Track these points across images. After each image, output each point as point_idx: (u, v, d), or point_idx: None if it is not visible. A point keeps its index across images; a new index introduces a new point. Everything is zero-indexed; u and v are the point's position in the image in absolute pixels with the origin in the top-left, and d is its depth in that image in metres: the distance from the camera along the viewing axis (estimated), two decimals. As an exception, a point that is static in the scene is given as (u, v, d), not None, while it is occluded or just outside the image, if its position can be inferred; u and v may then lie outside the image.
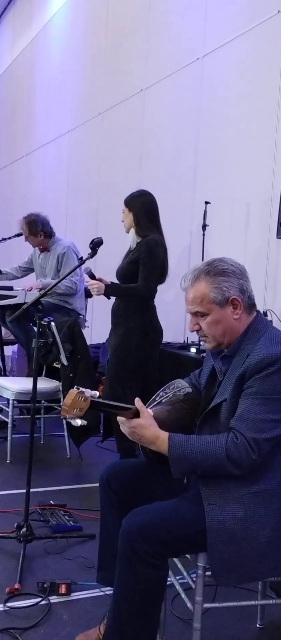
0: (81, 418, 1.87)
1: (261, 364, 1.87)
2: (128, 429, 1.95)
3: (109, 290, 3.68)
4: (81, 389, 1.85)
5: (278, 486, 1.91)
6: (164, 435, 1.92)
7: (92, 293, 3.68)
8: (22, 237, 5.40)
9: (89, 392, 1.85)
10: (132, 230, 3.78)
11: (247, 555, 1.86)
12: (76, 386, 1.87)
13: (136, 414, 1.94)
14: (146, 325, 3.74)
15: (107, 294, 3.69)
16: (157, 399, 2.12)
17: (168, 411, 2.06)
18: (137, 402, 1.94)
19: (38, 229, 5.17)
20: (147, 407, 2.04)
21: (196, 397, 2.17)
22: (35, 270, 5.46)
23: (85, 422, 1.88)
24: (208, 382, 2.15)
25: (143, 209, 3.78)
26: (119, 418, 1.97)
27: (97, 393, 1.89)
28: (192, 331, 2.08)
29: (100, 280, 3.70)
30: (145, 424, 1.92)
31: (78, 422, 1.87)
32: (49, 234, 5.23)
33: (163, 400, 2.11)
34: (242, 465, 1.85)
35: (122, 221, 3.88)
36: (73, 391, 1.84)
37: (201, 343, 4.48)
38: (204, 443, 1.88)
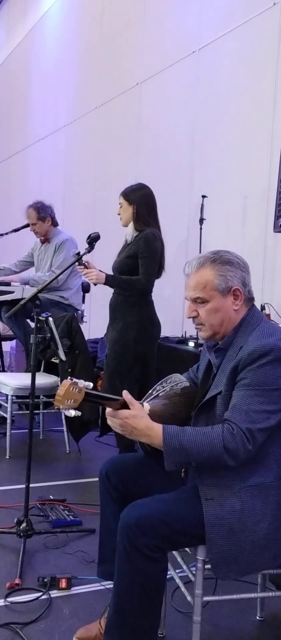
0: (75, 409, 1.86)
1: (253, 355, 1.88)
2: (119, 421, 1.91)
3: (110, 280, 3.66)
4: (74, 379, 1.84)
5: (275, 479, 1.92)
6: (158, 427, 1.90)
7: (90, 281, 3.63)
8: (20, 232, 5.39)
9: (82, 383, 1.85)
10: (131, 224, 3.77)
11: (245, 548, 1.87)
12: (69, 377, 1.87)
13: (124, 406, 1.91)
14: (144, 320, 3.74)
15: (107, 284, 3.67)
16: (154, 392, 2.11)
17: (165, 405, 2.06)
18: (126, 394, 1.92)
19: (47, 214, 5.18)
20: (143, 401, 2.05)
21: (194, 391, 2.17)
22: (35, 263, 5.46)
23: (79, 413, 1.87)
24: (204, 376, 2.16)
25: (143, 203, 3.76)
26: (108, 411, 1.94)
27: (90, 384, 1.88)
28: (189, 317, 2.08)
29: (89, 265, 3.65)
30: (138, 414, 1.90)
31: (72, 412, 1.86)
32: (55, 221, 5.25)
33: (160, 394, 2.11)
34: (238, 455, 1.85)
35: (119, 214, 3.84)
36: (66, 382, 1.84)
37: (199, 339, 4.49)
38: (201, 434, 1.87)
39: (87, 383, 1.87)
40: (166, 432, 1.88)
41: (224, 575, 1.89)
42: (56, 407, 1.87)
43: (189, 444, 1.86)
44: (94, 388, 2.03)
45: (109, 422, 1.97)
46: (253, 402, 1.86)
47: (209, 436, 1.86)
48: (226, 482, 1.89)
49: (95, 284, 3.69)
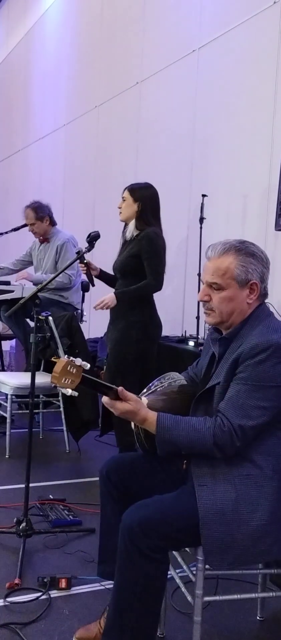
0: (72, 389, 1.85)
1: (254, 349, 1.88)
2: (116, 412, 1.94)
3: (120, 297, 3.65)
4: (71, 358, 1.83)
5: (271, 470, 1.92)
6: (152, 416, 1.93)
7: (105, 309, 3.66)
8: (20, 232, 5.38)
9: (79, 361, 1.85)
10: (133, 222, 3.75)
11: (239, 537, 1.87)
12: (66, 355, 1.86)
13: (117, 395, 1.92)
14: (146, 320, 3.73)
15: (118, 301, 3.67)
16: (152, 387, 2.12)
17: (162, 400, 2.07)
18: (122, 392, 1.93)
19: (45, 214, 5.18)
20: (141, 395, 2.05)
21: (191, 389, 2.17)
22: (34, 263, 5.45)
23: (76, 393, 1.86)
24: (207, 367, 2.15)
25: (149, 203, 3.73)
26: (106, 401, 1.95)
27: (87, 365, 1.87)
28: (201, 300, 2.06)
29: (89, 265, 3.65)
30: (133, 410, 1.92)
31: (69, 391, 1.85)
32: (53, 221, 5.25)
33: (158, 390, 2.12)
34: (226, 450, 1.88)
35: (119, 208, 3.79)
36: (63, 359, 1.83)
37: (200, 335, 4.48)
38: (193, 430, 1.90)
39: (84, 362, 1.86)
40: (160, 424, 1.92)
41: (217, 564, 1.89)
42: (52, 384, 1.86)
43: (180, 438, 1.90)
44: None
45: (107, 405, 1.98)
46: (249, 397, 1.87)
47: (201, 432, 1.89)
48: (221, 470, 1.91)
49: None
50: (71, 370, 1.83)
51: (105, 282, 3.85)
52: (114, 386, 1.93)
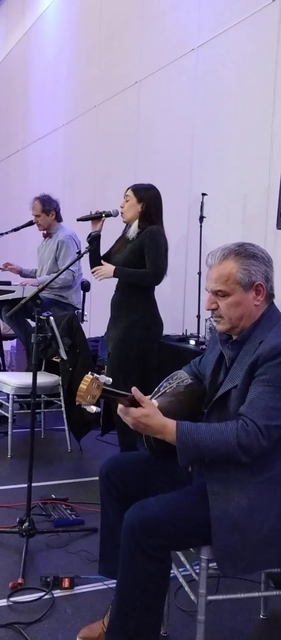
0: (94, 405, 1.84)
1: (274, 351, 1.86)
2: (131, 420, 1.89)
3: (118, 272, 3.66)
4: (95, 375, 1.82)
5: None
6: (171, 423, 1.88)
7: (99, 279, 3.66)
8: (20, 232, 5.39)
9: (103, 379, 1.83)
10: (136, 222, 3.75)
11: (252, 544, 1.86)
12: (90, 372, 1.83)
13: (134, 402, 1.89)
14: (148, 318, 3.73)
15: (115, 277, 3.67)
16: (161, 389, 2.10)
17: (170, 402, 2.04)
18: (136, 391, 1.89)
19: (52, 207, 5.21)
20: (152, 398, 2.03)
21: (199, 387, 2.16)
22: (38, 258, 5.46)
23: (99, 409, 1.85)
24: (214, 370, 2.12)
25: (153, 202, 3.75)
26: (120, 409, 1.92)
27: (110, 380, 1.85)
28: (208, 309, 2.04)
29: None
30: (150, 413, 1.88)
31: (93, 408, 1.82)
32: (59, 216, 5.27)
33: (167, 391, 2.09)
34: (252, 451, 1.83)
35: (122, 207, 3.79)
36: (88, 377, 1.80)
37: (200, 334, 4.49)
38: (215, 431, 1.85)
39: (107, 378, 1.84)
40: (180, 429, 1.86)
41: (230, 571, 1.88)
42: (77, 403, 1.84)
43: (203, 442, 1.84)
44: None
45: (123, 419, 1.93)
46: (272, 398, 1.84)
47: (224, 433, 1.84)
48: (235, 477, 1.87)
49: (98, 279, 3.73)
50: (94, 386, 1.83)
51: (93, 252, 3.84)
52: (128, 393, 1.89)
